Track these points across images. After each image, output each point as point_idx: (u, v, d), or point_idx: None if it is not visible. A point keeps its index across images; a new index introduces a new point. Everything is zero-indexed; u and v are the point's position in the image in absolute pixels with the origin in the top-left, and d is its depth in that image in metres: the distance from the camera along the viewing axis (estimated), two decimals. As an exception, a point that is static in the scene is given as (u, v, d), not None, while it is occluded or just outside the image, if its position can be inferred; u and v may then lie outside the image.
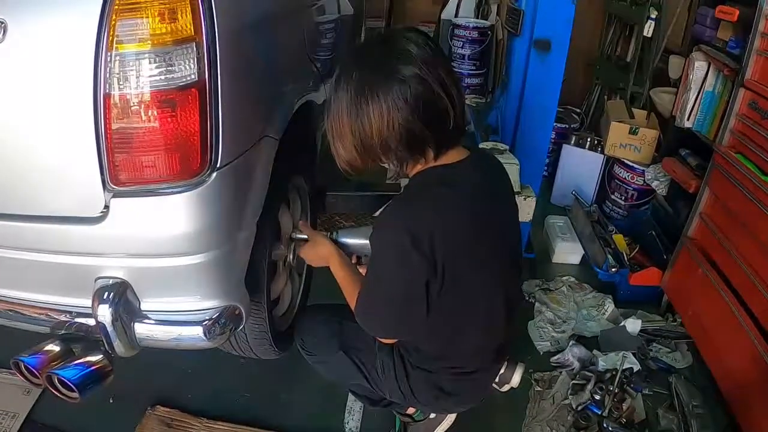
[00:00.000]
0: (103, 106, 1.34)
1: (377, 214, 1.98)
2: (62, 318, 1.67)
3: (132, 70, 1.33)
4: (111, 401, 2.36)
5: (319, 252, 1.95)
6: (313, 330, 2.00)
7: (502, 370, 2.01)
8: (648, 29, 4.01)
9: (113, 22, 1.31)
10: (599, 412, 2.40)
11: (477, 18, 5.65)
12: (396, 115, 1.43)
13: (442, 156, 1.56)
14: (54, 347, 1.69)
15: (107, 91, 1.34)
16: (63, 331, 1.68)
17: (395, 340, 1.78)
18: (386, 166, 1.61)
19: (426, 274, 1.49)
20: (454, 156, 1.59)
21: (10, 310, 1.71)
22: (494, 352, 1.83)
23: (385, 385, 1.89)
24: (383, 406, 2.17)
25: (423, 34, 1.52)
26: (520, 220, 1.93)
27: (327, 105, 1.57)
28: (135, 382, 2.34)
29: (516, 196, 2.28)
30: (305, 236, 2.06)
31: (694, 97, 2.91)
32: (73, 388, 1.61)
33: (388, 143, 1.48)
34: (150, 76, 1.34)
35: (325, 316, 2.01)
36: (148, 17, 1.32)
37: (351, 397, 2.42)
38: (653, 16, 3.97)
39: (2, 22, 1.33)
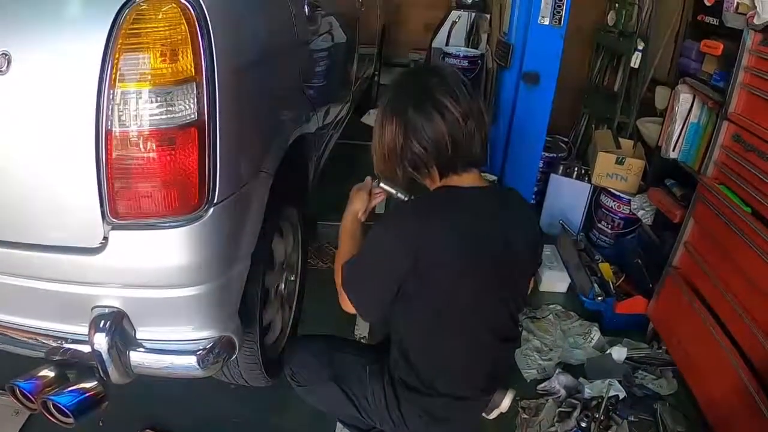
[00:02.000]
0: (104, 140, 1.38)
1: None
2: (58, 344, 1.68)
3: (133, 107, 1.37)
4: (101, 425, 2.35)
5: (354, 205, 1.98)
6: (303, 361, 2.00)
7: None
8: (635, 60, 4.09)
9: (117, 60, 1.35)
10: (586, 440, 2.42)
11: (467, 47, 5.72)
12: (429, 133, 1.61)
13: (450, 178, 1.70)
14: (49, 372, 1.70)
15: (109, 126, 1.37)
16: (58, 357, 1.69)
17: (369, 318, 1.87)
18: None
19: (404, 268, 1.59)
20: (467, 180, 1.71)
21: (6, 335, 1.72)
22: (484, 380, 1.85)
23: (376, 413, 1.90)
24: (372, 435, 2.19)
25: (457, 72, 1.75)
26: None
27: (377, 117, 1.75)
28: (125, 407, 2.32)
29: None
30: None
31: (680, 128, 2.96)
32: (69, 414, 1.62)
33: (394, 159, 1.67)
34: (151, 114, 1.38)
35: (314, 346, 2.03)
36: (150, 57, 1.36)
37: (339, 424, 2.42)
38: (640, 47, 4.05)
39: (6, 54, 1.37)
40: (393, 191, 1.96)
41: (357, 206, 1.96)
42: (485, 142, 1.72)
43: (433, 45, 5.96)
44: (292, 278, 2.24)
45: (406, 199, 1.95)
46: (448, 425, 1.91)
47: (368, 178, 2.00)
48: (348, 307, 1.77)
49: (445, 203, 1.67)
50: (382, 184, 1.97)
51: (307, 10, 2.36)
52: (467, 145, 1.66)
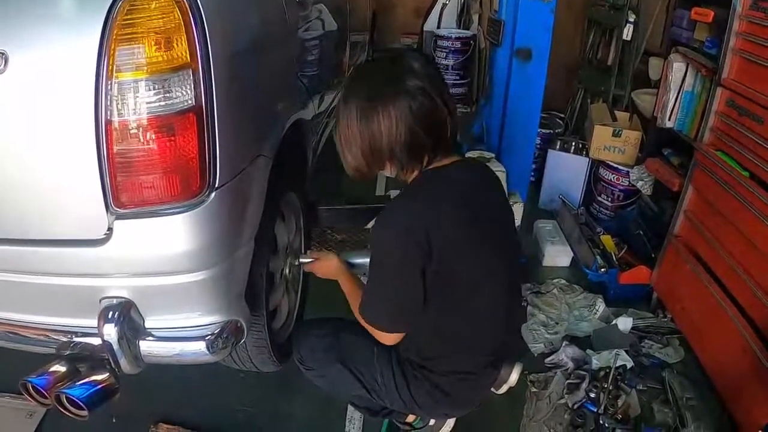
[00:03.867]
0: (104, 131, 1.39)
1: (369, 226, 2.05)
2: (68, 339, 1.69)
3: (131, 96, 1.38)
4: (114, 421, 2.37)
5: (330, 266, 2.06)
6: (311, 344, 2.02)
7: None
8: (627, 33, 4.10)
9: (112, 51, 1.36)
10: (595, 410, 2.43)
11: (459, 29, 5.71)
12: (402, 123, 1.58)
13: (435, 161, 1.69)
14: (60, 367, 1.71)
15: (108, 117, 1.38)
16: (69, 351, 1.71)
17: (397, 339, 1.79)
18: (386, 173, 1.73)
19: (421, 261, 1.58)
20: (445, 161, 1.71)
21: (16, 334, 1.74)
22: (494, 353, 1.87)
23: (386, 394, 1.91)
24: (383, 416, 2.20)
25: (424, 54, 1.70)
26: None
27: (336, 116, 1.70)
28: (137, 401, 2.35)
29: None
30: (310, 259, 2.15)
31: (674, 97, 2.96)
32: (82, 406, 1.63)
33: (394, 149, 1.62)
34: (149, 102, 1.39)
35: (322, 329, 2.04)
36: (145, 46, 1.37)
37: (351, 407, 2.44)
38: (631, 19, 4.06)
39: (3, 53, 1.37)
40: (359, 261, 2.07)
41: (328, 267, 2.07)
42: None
43: (425, 28, 5.95)
44: (296, 263, 2.25)
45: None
46: (457, 401, 1.92)
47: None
48: (389, 337, 1.78)
49: (436, 184, 1.68)
50: (350, 260, 2.07)
51: (297, -4, 2.36)
52: (456, 124, 1.69)
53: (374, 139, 1.61)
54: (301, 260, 2.23)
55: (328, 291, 1.85)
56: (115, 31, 1.36)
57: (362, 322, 1.78)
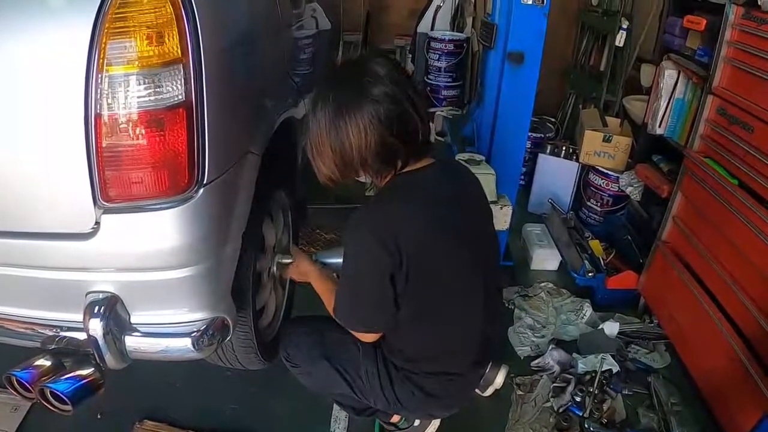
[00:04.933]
0: (94, 125, 1.38)
1: None
2: (53, 333, 1.68)
3: (122, 90, 1.37)
4: (99, 417, 2.37)
5: (301, 269, 2.14)
6: (297, 341, 2.04)
7: (485, 372, 2.05)
8: (620, 39, 4.11)
9: (104, 45, 1.35)
10: (580, 414, 2.45)
11: (452, 31, 5.71)
12: (371, 132, 1.56)
13: (409, 165, 1.69)
14: (45, 362, 1.71)
15: (98, 111, 1.38)
16: (54, 346, 1.70)
17: (376, 337, 1.82)
18: (361, 179, 1.74)
19: (390, 267, 1.59)
20: (418, 164, 1.71)
21: (0, 326, 1.73)
22: (475, 354, 1.88)
23: (370, 392, 1.93)
24: (368, 415, 2.21)
25: (389, 58, 1.69)
26: (497, 228, 1.99)
27: (306, 125, 1.69)
28: (123, 398, 2.35)
29: (493, 205, 2.33)
30: (290, 260, 2.20)
31: (665, 104, 2.97)
32: (66, 401, 1.63)
33: (365, 157, 1.60)
34: (139, 96, 1.38)
35: (308, 327, 2.06)
36: (136, 40, 1.36)
37: (336, 406, 2.45)
38: (624, 26, 4.07)
39: None
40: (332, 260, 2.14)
41: (304, 270, 2.14)
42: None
43: (418, 30, 5.95)
44: (284, 261, 2.25)
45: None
46: (441, 401, 1.93)
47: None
48: (367, 336, 1.82)
49: (407, 188, 1.69)
50: (323, 260, 2.15)
51: (289, -7, 2.36)
52: (427, 127, 1.69)
53: (344, 149, 1.60)
54: (279, 261, 2.27)
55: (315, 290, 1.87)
56: (106, 25, 1.35)
57: (342, 321, 1.81)
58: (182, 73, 1.42)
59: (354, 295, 1.73)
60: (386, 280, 1.62)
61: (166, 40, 1.39)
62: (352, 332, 1.81)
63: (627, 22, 4.06)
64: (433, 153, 1.76)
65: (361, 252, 1.65)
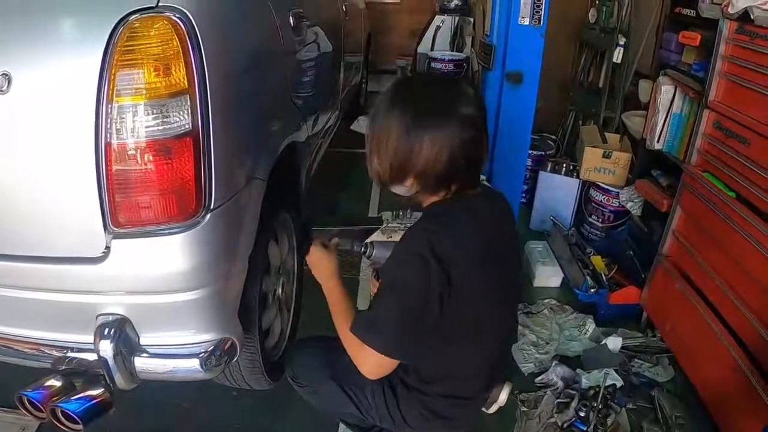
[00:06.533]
0: (104, 153, 1.44)
1: (357, 249, 1.97)
2: (63, 354, 1.72)
3: (131, 120, 1.43)
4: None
5: (327, 264, 1.90)
6: (303, 361, 2.03)
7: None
8: (617, 55, 4.14)
9: (113, 76, 1.41)
10: (585, 429, 2.45)
11: (452, 51, 5.77)
12: (445, 150, 1.51)
13: (462, 190, 1.64)
14: (55, 382, 1.74)
15: (108, 139, 1.43)
16: (64, 366, 1.74)
17: (379, 372, 1.66)
18: (399, 190, 1.64)
19: (441, 286, 1.52)
20: (471, 190, 1.67)
21: (11, 348, 1.77)
22: (486, 380, 1.89)
23: (376, 412, 1.91)
24: (374, 434, 2.22)
25: (473, 85, 1.66)
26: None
27: (374, 115, 1.60)
28: (131, 417, 2.36)
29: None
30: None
31: (663, 119, 2.99)
32: (77, 420, 1.66)
33: (427, 171, 1.54)
34: (147, 126, 1.44)
35: (315, 347, 2.05)
36: (145, 72, 1.42)
37: (342, 425, 2.45)
38: (621, 42, 4.10)
39: (6, 74, 1.42)
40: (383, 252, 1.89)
41: (327, 266, 1.88)
42: None
43: (419, 50, 6.01)
44: (289, 283, 2.28)
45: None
46: (450, 422, 1.93)
47: (318, 240, 1.91)
48: (372, 362, 1.63)
49: (462, 214, 1.62)
50: (374, 242, 1.94)
51: (292, 20, 2.40)
52: (487, 156, 1.66)
53: (411, 156, 1.52)
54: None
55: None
56: (116, 57, 1.41)
57: (346, 343, 1.69)
58: (189, 103, 1.47)
59: (399, 315, 1.57)
60: (437, 305, 1.54)
61: (173, 72, 1.44)
62: (356, 358, 1.68)
63: (624, 39, 4.10)
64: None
65: (416, 271, 1.53)
